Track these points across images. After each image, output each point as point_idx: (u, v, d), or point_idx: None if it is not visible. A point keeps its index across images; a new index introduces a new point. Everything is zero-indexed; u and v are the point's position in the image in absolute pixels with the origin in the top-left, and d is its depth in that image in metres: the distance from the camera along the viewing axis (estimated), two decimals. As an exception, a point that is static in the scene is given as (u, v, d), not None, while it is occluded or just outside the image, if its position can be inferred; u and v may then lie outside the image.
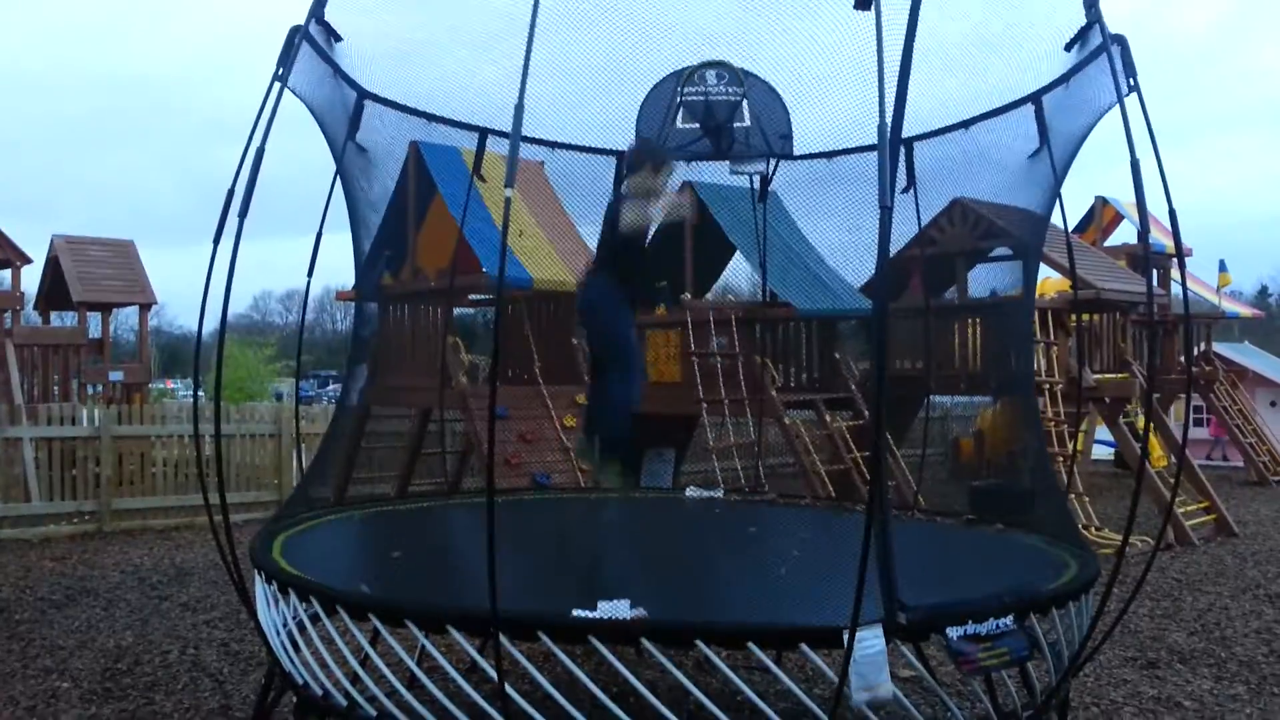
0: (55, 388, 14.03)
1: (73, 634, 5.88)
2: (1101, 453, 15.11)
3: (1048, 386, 9.77)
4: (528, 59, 3.07)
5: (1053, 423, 9.52)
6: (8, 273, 14.99)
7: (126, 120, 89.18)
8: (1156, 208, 3.69)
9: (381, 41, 4.82)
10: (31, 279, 16.22)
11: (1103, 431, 12.83)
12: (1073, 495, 9.05)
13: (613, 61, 5.58)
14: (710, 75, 6.13)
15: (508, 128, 3.06)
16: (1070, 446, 8.76)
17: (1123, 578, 4.75)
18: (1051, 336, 10.16)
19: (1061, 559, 3.86)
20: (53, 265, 15.57)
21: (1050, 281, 13.26)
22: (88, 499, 10.01)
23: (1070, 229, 15.13)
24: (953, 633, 2.88)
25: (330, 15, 4.40)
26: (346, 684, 3.19)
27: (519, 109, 3.02)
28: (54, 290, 15.78)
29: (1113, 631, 4.03)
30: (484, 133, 6.13)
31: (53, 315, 16.89)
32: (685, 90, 6.11)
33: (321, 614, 3.22)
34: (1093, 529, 8.81)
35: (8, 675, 5.07)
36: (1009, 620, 2.99)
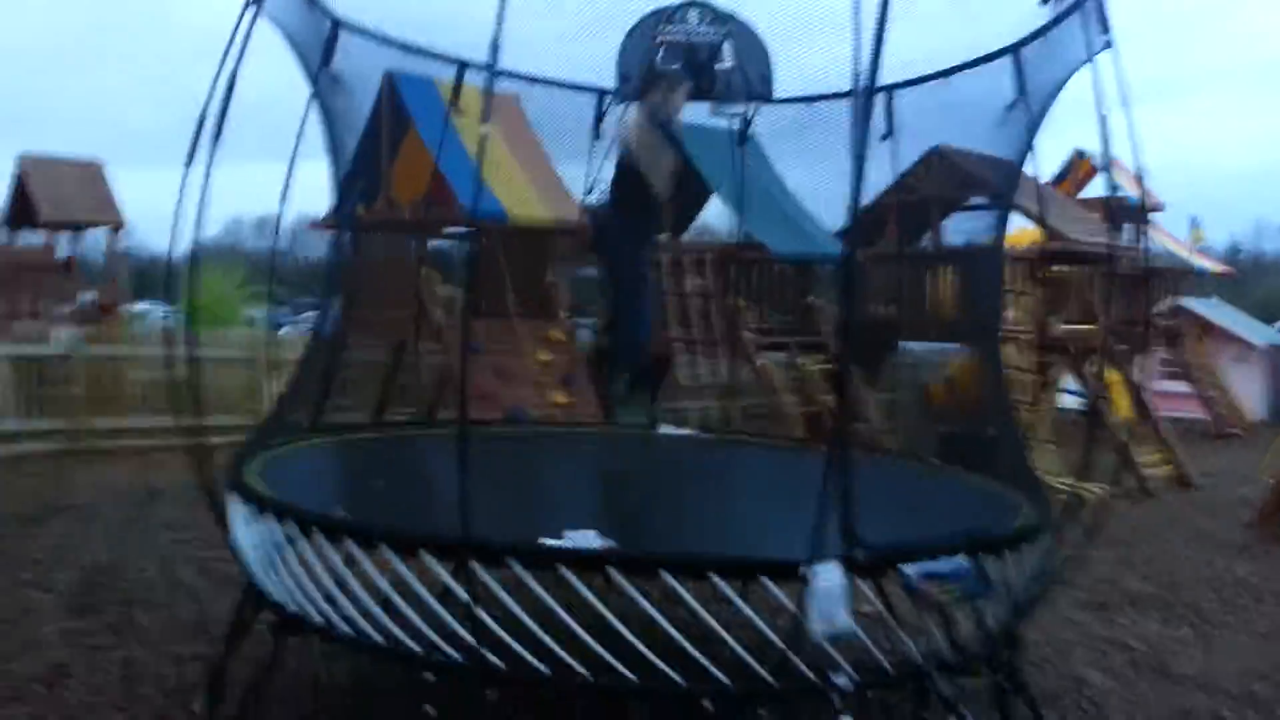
0: (25, 307, 13.90)
1: (51, 550, 5.96)
2: (1071, 402, 15.38)
3: (1018, 337, 9.92)
4: None
5: (1022, 372, 9.69)
6: (-28, 192, 14.75)
7: (104, 38, 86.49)
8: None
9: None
10: (-2, 198, 15.97)
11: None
12: (1038, 443, 9.26)
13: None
14: (692, 14, 6.09)
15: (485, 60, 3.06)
16: (1038, 396, 8.96)
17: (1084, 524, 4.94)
18: (1023, 287, 10.30)
19: (1017, 503, 4.00)
20: (19, 184, 15.30)
21: (1027, 232, 13.36)
22: (62, 418, 10.00)
23: (1047, 181, 15.20)
24: (909, 569, 3.01)
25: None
26: (323, 603, 3.28)
27: (495, 46, 3.02)
28: (22, 210, 15.52)
29: (1062, 572, 4.20)
30: (462, 65, 6.08)
31: (21, 235, 16.64)
32: (667, 29, 6.07)
33: (298, 535, 3.29)
34: (1056, 477, 9.02)
35: (-16, 588, 5.15)
36: (962, 559, 3.13)
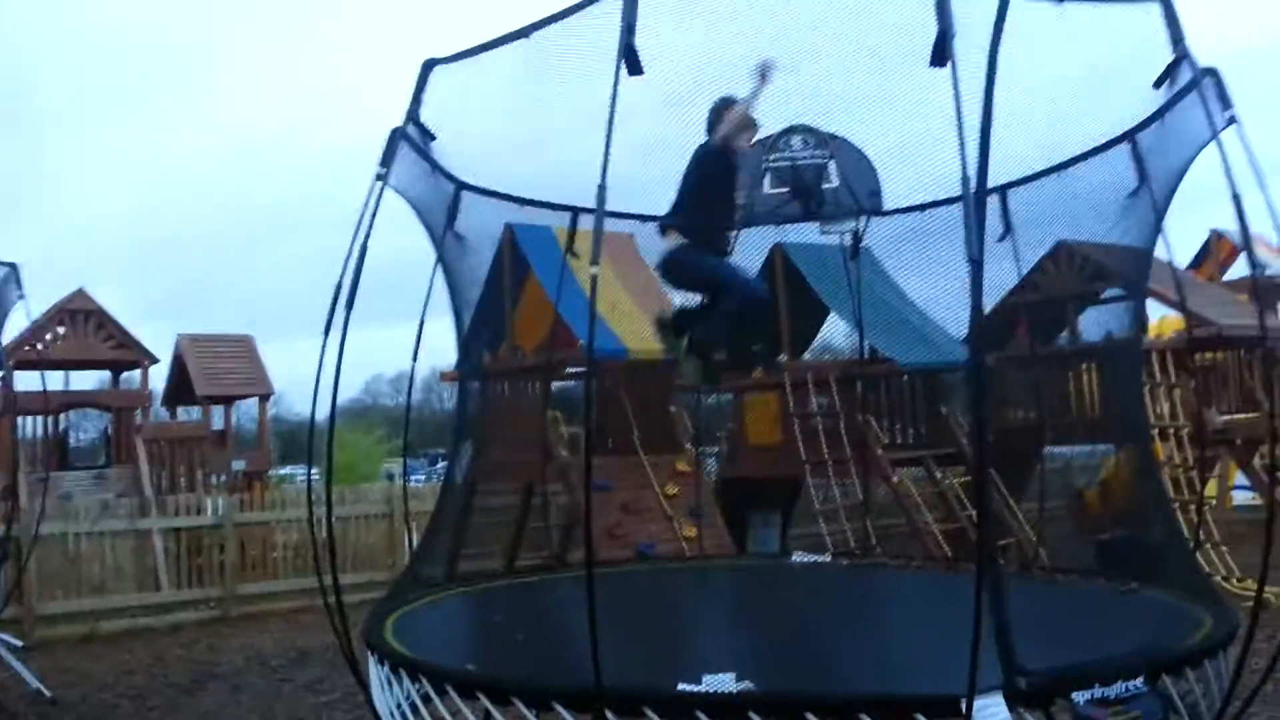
0: (181, 479, 14.71)
1: (202, 719, 6.06)
2: (1244, 498, 14.25)
3: (1173, 431, 9.31)
4: (608, 142, 3.16)
5: (1180, 469, 9.05)
6: (137, 373, 15.91)
7: (255, 226, 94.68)
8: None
9: (476, 135, 5.02)
10: (160, 376, 17.19)
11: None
12: (1208, 545, 8.54)
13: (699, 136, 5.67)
14: (795, 140, 6.19)
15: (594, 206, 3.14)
16: (1200, 493, 8.31)
17: (1271, 631, 4.44)
18: (1173, 378, 9.73)
19: (1194, 615, 3.64)
20: (178, 362, 16.47)
21: (1169, 320, 12.75)
22: (213, 585, 10.39)
23: (1186, 265, 14.56)
24: (1079, 697, 2.74)
25: (426, 115, 4.64)
26: (460, 764, 3.20)
27: (601, 189, 3.11)
28: (180, 386, 16.65)
29: (1261, 689, 3.76)
30: (575, 212, 6.29)
31: (179, 409, 17.79)
32: (770, 157, 6.16)
33: (432, 694, 3.25)
34: (1234, 580, 8.27)
35: (142, 761, 5.25)
36: (1139, 682, 2.83)
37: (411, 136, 4.62)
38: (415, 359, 5.53)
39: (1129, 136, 4.77)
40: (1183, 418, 9.51)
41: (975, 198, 2.99)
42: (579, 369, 10.45)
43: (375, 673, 3.65)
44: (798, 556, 5.88)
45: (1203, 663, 3.08)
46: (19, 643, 7.22)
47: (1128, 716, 2.77)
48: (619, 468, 8.81)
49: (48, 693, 6.69)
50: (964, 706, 2.60)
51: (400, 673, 3.40)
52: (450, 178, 5.29)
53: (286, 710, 6.20)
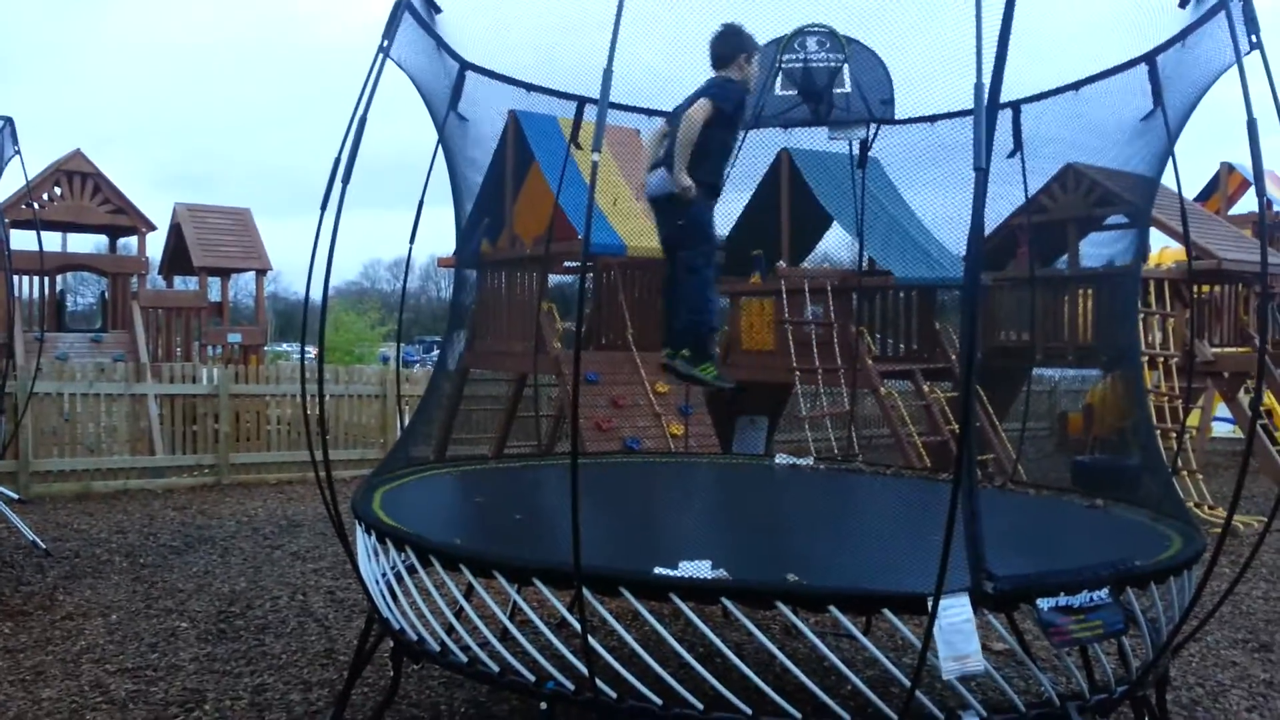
0: (178, 348, 14.78)
1: (191, 578, 6.25)
2: (1223, 430, 14.47)
3: (1162, 360, 9.38)
4: (617, 24, 3.08)
5: (1165, 398, 9.15)
6: (134, 239, 15.80)
7: (277, 102, 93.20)
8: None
9: (483, 13, 4.89)
10: (157, 246, 17.10)
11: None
12: (1185, 472, 8.71)
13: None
14: (810, 41, 6.04)
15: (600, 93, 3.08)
16: (1183, 423, 8.42)
17: (1236, 557, 4.57)
18: (1168, 308, 9.75)
19: (1164, 534, 3.74)
20: (176, 231, 16.35)
21: (1169, 251, 12.73)
22: (207, 453, 10.56)
23: (1193, 197, 14.44)
24: (1043, 604, 2.82)
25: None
26: (441, 632, 3.32)
27: (607, 73, 3.04)
28: (177, 256, 16.57)
29: (1217, 610, 3.89)
30: (582, 101, 6.18)
31: (176, 280, 17.74)
32: (784, 57, 6.03)
33: (417, 564, 3.34)
34: (1205, 507, 8.46)
35: (133, 614, 5.43)
36: (1104, 593, 2.92)
37: (416, 7, 4.49)
38: (412, 241, 5.47)
39: (1148, 58, 4.67)
40: (1173, 347, 9.57)
41: (987, 108, 2.93)
42: (577, 263, 10.43)
43: (362, 542, 3.75)
44: (781, 459, 5.98)
45: (1167, 580, 3.16)
46: (15, 495, 7.37)
47: (1089, 625, 2.86)
48: (611, 363, 8.87)
49: (42, 545, 6.87)
50: (929, 605, 2.68)
51: (386, 543, 3.49)
52: (455, 56, 5.17)
53: (275, 574, 6.38)
